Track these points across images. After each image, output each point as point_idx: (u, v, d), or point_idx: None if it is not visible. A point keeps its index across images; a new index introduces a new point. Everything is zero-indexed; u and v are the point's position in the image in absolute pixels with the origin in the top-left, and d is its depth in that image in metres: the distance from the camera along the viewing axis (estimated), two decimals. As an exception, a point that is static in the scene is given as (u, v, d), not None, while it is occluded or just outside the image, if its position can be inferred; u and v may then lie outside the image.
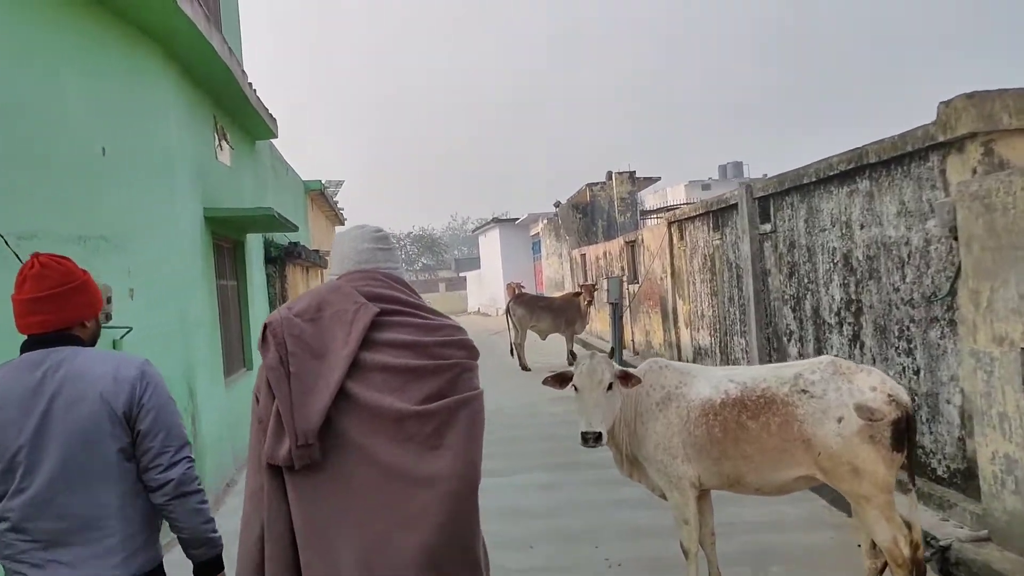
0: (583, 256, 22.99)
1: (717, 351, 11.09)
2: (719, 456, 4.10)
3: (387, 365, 2.11)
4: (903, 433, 3.87)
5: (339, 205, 26.12)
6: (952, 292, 5.56)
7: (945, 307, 5.67)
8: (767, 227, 8.86)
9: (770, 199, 8.72)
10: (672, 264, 12.98)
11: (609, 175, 26.44)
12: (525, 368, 15.37)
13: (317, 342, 2.14)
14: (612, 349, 4.58)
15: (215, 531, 2.51)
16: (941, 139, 5.46)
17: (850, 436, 3.85)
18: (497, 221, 40.43)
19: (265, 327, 2.18)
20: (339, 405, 2.07)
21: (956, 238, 5.39)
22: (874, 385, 3.93)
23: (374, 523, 2.02)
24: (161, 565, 2.51)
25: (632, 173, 26.13)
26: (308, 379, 2.08)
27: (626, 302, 15.06)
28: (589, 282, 17.21)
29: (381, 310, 2.19)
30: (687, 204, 31.57)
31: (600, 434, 4.00)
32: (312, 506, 2.05)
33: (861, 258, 6.84)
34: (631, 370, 4.23)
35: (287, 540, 2.06)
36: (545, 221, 32.18)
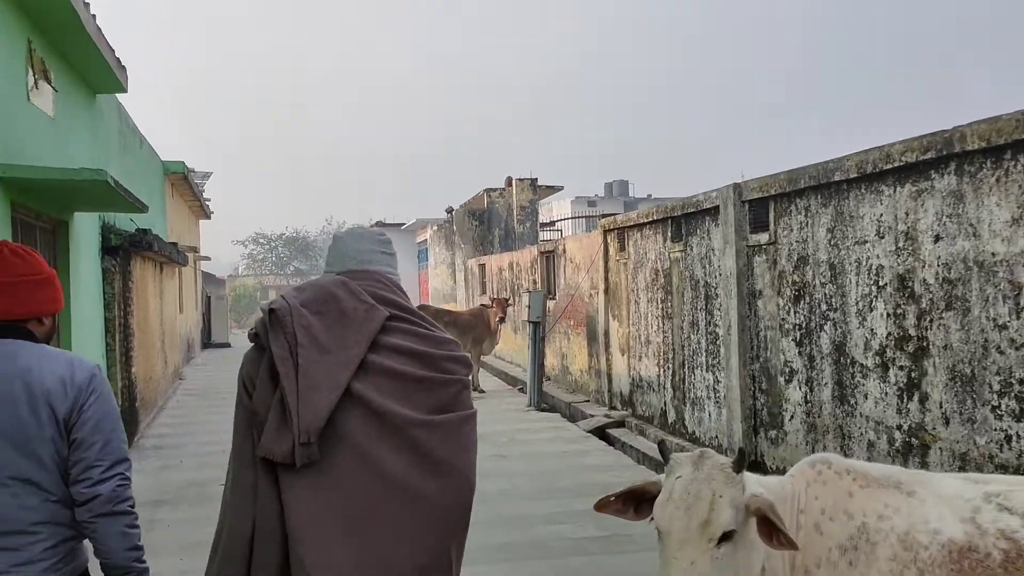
0: (482, 267, 20.95)
1: (668, 386, 9.26)
2: None
3: (395, 371, 2.02)
4: None
5: (206, 197, 23.06)
6: (1124, 335, 3.85)
7: (1107, 356, 3.97)
8: (762, 237, 7.08)
9: (770, 202, 6.95)
10: (607, 279, 11.12)
11: (509, 181, 24.54)
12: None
13: (325, 338, 2.01)
14: (741, 452, 2.25)
15: (142, 561, 2.22)
16: None
17: None
18: (381, 225, 37.96)
19: (272, 311, 2.04)
20: (343, 405, 1.96)
21: None
22: None
23: (372, 533, 1.93)
24: (87, 572, 2.29)
25: (534, 180, 24.34)
26: (315, 375, 1.96)
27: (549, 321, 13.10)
28: (501, 295, 15.10)
29: (390, 315, 2.07)
30: (578, 217, 30.05)
31: None
32: (310, 506, 1.92)
33: (931, 281, 5.11)
34: (759, 502, 2.15)
35: (278, 538, 1.94)
36: (435, 228, 29.92)
